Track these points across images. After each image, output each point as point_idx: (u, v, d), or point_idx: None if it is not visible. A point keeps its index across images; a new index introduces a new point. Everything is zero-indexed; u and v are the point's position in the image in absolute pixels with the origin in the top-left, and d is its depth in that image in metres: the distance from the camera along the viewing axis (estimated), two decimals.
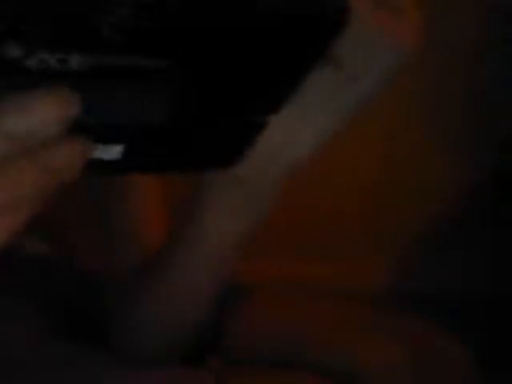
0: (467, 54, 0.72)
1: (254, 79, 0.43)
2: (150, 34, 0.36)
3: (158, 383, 0.67)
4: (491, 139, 0.75)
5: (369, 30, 0.51)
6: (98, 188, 0.70)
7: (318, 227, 0.75)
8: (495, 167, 0.75)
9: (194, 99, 0.41)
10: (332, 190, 0.74)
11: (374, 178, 0.74)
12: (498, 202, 0.76)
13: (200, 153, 0.45)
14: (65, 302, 0.77)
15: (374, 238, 0.76)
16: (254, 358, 0.70)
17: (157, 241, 0.68)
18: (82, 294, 0.77)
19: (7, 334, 0.70)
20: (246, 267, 0.69)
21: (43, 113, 0.35)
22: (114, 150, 0.40)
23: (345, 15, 0.41)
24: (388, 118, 0.73)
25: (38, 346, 0.69)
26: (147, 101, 0.39)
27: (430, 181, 0.75)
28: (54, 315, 0.74)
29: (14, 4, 0.32)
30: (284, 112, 0.47)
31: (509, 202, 0.75)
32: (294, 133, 0.56)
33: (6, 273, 0.72)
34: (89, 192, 0.71)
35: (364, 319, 0.74)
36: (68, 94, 0.36)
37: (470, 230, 0.76)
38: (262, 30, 0.39)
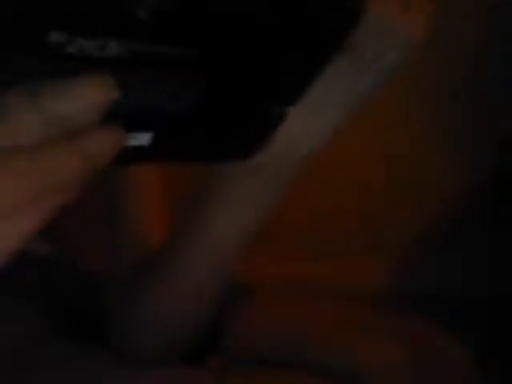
0: (467, 53, 0.72)
1: (275, 70, 0.43)
2: (182, 19, 0.37)
3: (158, 383, 0.67)
4: (491, 139, 0.75)
5: (379, 19, 0.51)
6: (100, 188, 0.70)
7: (317, 225, 0.75)
8: (495, 167, 0.75)
9: (220, 89, 0.42)
10: (331, 188, 0.74)
11: (374, 176, 0.74)
12: (498, 202, 0.76)
13: (223, 142, 0.46)
14: (65, 302, 0.77)
15: (373, 237, 0.76)
16: (254, 358, 0.70)
17: (158, 240, 0.68)
18: (82, 293, 0.77)
19: (7, 334, 0.70)
20: (246, 267, 0.69)
21: (84, 98, 0.36)
22: (142, 137, 0.41)
23: (362, 6, 0.42)
24: (387, 117, 0.73)
25: (37, 346, 0.69)
26: (177, 89, 0.40)
27: (430, 181, 0.75)
28: (54, 315, 0.74)
29: None
30: (299, 104, 0.48)
31: (509, 202, 0.75)
32: (307, 124, 0.56)
33: (6, 273, 0.72)
34: (90, 191, 0.71)
35: (364, 319, 0.74)
36: (108, 80, 0.36)
37: (470, 229, 0.76)
38: (283, 21, 0.40)
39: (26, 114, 0.35)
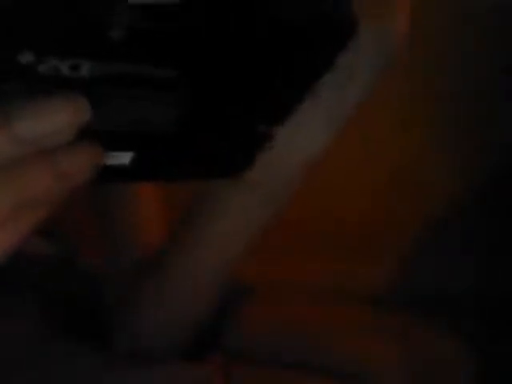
0: (466, 54, 0.72)
1: (262, 90, 0.43)
2: (158, 41, 0.36)
3: (158, 382, 0.67)
4: (491, 139, 0.75)
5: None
6: (99, 189, 0.70)
7: (318, 227, 0.75)
8: (495, 167, 0.76)
9: (202, 109, 0.41)
10: (332, 191, 0.74)
11: (374, 179, 0.74)
12: (498, 202, 0.76)
13: (207, 162, 0.46)
14: (65, 302, 0.77)
15: (373, 237, 0.76)
16: (254, 358, 0.70)
17: (157, 242, 0.68)
18: (82, 293, 0.77)
19: (7, 334, 0.70)
20: (246, 267, 0.69)
21: (55, 118, 0.36)
22: (123, 157, 0.41)
23: (354, 27, 0.41)
24: (387, 124, 0.73)
25: (38, 346, 0.69)
26: (156, 110, 0.39)
27: (430, 181, 0.75)
28: (53, 315, 0.74)
29: (24, 11, 0.32)
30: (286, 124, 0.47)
31: (509, 202, 0.75)
32: (293, 137, 0.57)
33: (6, 273, 0.72)
34: (90, 193, 0.71)
35: (364, 319, 0.74)
36: (80, 100, 0.36)
37: (470, 229, 0.76)
38: (271, 41, 0.39)
39: None
